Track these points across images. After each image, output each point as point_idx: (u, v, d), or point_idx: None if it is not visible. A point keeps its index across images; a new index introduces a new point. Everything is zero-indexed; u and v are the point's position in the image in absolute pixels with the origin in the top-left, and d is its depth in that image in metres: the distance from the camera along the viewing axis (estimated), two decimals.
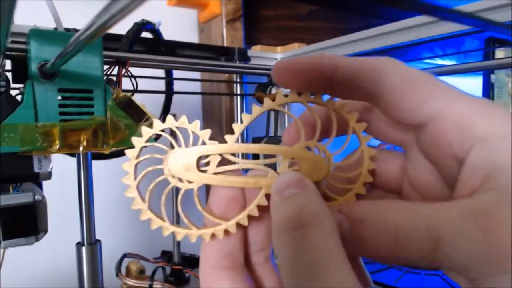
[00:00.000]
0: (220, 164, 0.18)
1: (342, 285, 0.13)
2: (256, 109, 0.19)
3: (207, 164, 0.18)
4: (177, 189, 0.18)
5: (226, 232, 0.18)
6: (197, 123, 0.18)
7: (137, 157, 0.18)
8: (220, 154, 0.18)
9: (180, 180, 0.18)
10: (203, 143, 0.18)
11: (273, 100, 0.19)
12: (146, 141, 0.18)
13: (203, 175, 0.18)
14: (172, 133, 0.18)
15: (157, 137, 0.19)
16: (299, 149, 0.18)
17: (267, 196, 0.18)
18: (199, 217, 0.19)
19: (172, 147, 0.18)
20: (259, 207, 0.18)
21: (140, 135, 0.19)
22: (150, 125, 0.18)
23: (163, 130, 0.18)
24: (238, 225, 0.18)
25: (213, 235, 0.18)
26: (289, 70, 0.18)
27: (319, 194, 0.16)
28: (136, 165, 0.18)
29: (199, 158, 0.18)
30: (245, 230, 0.19)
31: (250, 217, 0.18)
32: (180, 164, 0.18)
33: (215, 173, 0.18)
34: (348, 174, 0.19)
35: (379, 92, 0.17)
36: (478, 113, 0.15)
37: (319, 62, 0.18)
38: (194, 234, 0.18)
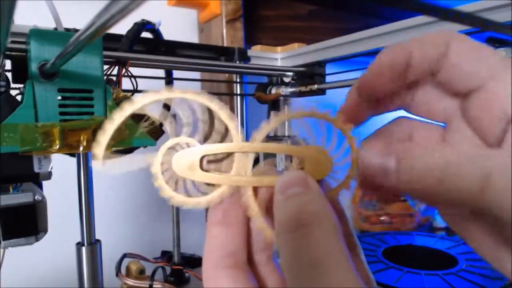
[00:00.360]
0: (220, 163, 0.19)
1: (344, 284, 0.13)
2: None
3: (211, 161, 0.19)
4: None
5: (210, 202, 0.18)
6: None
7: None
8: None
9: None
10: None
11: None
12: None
13: (206, 174, 0.18)
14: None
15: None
16: (302, 147, 0.19)
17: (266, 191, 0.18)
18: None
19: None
20: (259, 204, 0.18)
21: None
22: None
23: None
24: (240, 224, 0.18)
25: (198, 203, 0.18)
26: (378, 74, 0.19)
27: (322, 193, 0.16)
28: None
29: (203, 157, 0.18)
30: (248, 229, 0.19)
31: (251, 217, 0.18)
32: (184, 163, 0.18)
33: (218, 172, 0.18)
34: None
35: (446, 60, 0.17)
36: None
37: (397, 53, 0.18)
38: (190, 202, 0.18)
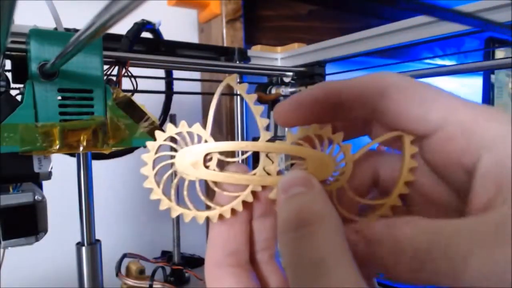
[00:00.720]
0: (220, 162, 0.19)
1: (346, 284, 0.13)
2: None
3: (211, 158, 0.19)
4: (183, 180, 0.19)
5: (221, 216, 0.18)
6: (198, 126, 0.19)
7: (156, 151, 0.19)
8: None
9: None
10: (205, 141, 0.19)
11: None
12: (156, 152, 0.19)
13: (209, 172, 0.18)
14: (172, 139, 0.19)
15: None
16: (306, 148, 0.19)
17: (266, 187, 0.18)
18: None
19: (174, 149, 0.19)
20: (262, 203, 0.18)
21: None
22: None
23: (173, 138, 0.19)
24: (243, 223, 0.18)
25: (207, 218, 0.18)
26: (295, 108, 0.18)
27: (325, 193, 0.16)
28: (154, 159, 0.19)
29: (206, 156, 0.19)
30: (250, 228, 0.19)
31: (253, 214, 0.18)
32: (187, 161, 0.18)
33: (221, 171, 0.19)
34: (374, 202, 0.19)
35: (384, 107, 0.17)
36: (481, 119, 0.15)
37: (323, 91, 0.18)
38: (190, 214, 0.19)
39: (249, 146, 0.19)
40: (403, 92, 0.17)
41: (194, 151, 0.19)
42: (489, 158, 0.15)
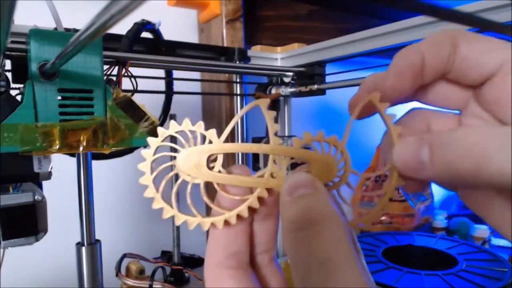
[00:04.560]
0: (225, 163, 0.19)
1: (353, 283, 0.13)
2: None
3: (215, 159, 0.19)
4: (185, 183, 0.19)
5: (226, 223, 0.18)
6: (201, 124, 0.19)
7: (151, 169, 0.19)
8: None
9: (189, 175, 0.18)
10: (209, 141, 0.19)
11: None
12: (155, 151, 0.19)
13: (213, 174, 0.18)
14: (172, 139, 0.19)
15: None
16: (310, 151, 0.19)
17: (270, 192, 0.18)
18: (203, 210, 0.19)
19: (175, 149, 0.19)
20: (264, 205, 0.18)
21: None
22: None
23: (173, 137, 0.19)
24: (239, 217, 0.18)
25: (212, 224, 0.18)
26: (399, 79, 0.19)
27: (329, 195, 0.16)
28: (151, 165, 0.19)
29: (209, 157, 0.18)
30: (251, 231, 0.19)
31: (255, 216, 0.18)
32: (191, 162, 0.18)
33: (225, 172, 0.18)
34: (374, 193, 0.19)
35: (453, 58, 0.18)
36: None
37: (413, 59, 0.19)
38: (195, 221, 0.18)
39: (254, 148, 0.19)
40: (471, 38, 0.18)
41: (197, 151, 0.18)
42: None
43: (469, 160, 0.15)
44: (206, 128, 0.19)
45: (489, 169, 0.14)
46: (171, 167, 0.19)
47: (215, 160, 0.19)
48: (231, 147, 0.19)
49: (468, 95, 0.20)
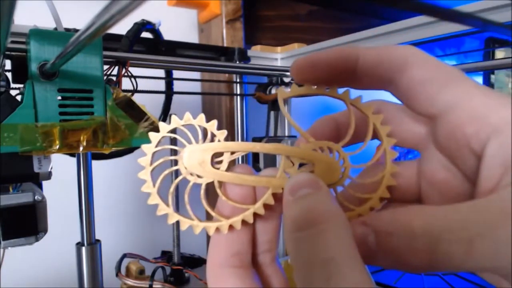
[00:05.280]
0: (232, 163, 0.19)
1: (357, 283, 0.13)
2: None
3: (220, 161, 0.19)
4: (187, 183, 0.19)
5: (231, 227, 0.18)
6: (202, 117, 0.18)
7: (151, 163, 0.18)
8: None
9: (191, 174, 0.18)
10: (213, 139, 0.18)
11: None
12: (156, 146, 0.19)
13: (216, 172, 0.18)
14: (173, 143, 0.19)
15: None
16: (313, 151, 0.19)
17: (275, 196, 0.18)
18: (202, 211, 0.19)
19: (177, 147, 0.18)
20: (267, 207, 0.18)
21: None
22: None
23: (173, 131, 0.19)
24: (243, 222, 0.18)
25: (217, 229, 0.18)
26: (310, 66, 0.19)
27: (332, 195, 0.16)
28: (151, 171, 0.18)
29: (214, 155, 0.18)
30: (253, 230, 0.19)
31: (257, 216, 0.18)
32: (195, 159, 0.18)
33: (228, 171, 0.18)
34: (366, 180, 0.19)
35: (399, 81, 0.17)
36: (491, 103, 0.15)
37: (340, 54, 0.18)
38: (199, 226, 0.18)
39: (258, 147, 0.19)
40: (419, 68, 0.17)
41: (201, 149, 0.18)
42: (497, 141, 0.15)
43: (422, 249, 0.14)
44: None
45: (443, 255, 0.14)
46: (171, 162, 0.19)
47: (220, 162, 0.19)
48: (234, 146, 0.19)
49: (424, 132, 0.19)
